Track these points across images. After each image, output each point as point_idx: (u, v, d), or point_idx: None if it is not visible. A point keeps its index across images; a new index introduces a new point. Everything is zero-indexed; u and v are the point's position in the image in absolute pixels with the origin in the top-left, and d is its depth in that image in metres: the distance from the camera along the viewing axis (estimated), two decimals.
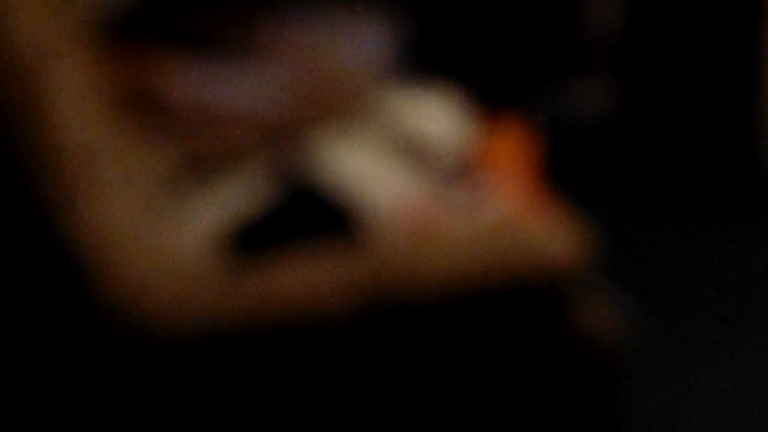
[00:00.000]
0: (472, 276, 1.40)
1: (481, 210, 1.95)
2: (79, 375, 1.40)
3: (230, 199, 1.77)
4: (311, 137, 1.95)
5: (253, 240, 1.70)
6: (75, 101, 1.33)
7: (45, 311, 1.39)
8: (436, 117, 1.78)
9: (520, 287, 1.41)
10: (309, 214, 1.76)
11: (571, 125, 4.89)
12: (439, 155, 1.80)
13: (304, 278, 1.39)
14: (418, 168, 1.78)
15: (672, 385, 2.53)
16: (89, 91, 1.42)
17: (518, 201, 2.03)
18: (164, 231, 1.51)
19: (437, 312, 1.43)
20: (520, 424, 1.56)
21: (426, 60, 1.88)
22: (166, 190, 1.99)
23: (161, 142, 2.12)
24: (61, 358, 1.41)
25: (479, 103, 2.25)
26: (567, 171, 4.20)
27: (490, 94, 4.85)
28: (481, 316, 1.47)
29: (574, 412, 1.57)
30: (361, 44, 1.85)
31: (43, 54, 1.30)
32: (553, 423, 1.57)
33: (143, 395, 1.42)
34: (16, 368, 1.46)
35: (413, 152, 1.76)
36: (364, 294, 1.39)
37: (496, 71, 4.99)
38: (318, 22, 3.69)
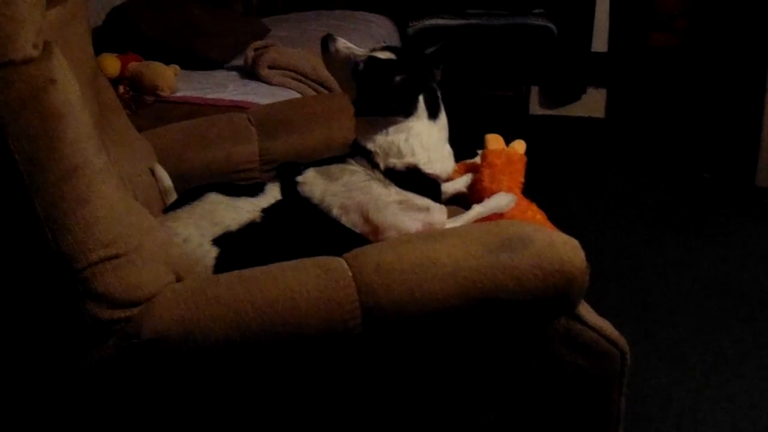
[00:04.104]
0: (473, 287, 1.39)
1: (483, 218, 1.95)
2: (74, 374, 1.39)
3: (223, 210, 1.76)
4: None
5: (245, 249, 1.70)
6: (79, 118, 1.33)
7: (44, 315, 1.39)
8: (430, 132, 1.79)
9: (524, 294, 1.41)
10: (300, 227, 1.75)
11: (572, 133, 4.93)
12: (435, 170, 1.80)
13: (293, 289, 1.38)
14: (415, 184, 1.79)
15: (665, 391, 2.53)
16: (89, 105, 1.41)
17: (519, 210, 2.03)
18: (157, 238, 1.50)
19: (437, 323, 1.43)
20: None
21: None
22: (158, 200, 1.99)
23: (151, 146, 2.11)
24: (56, 358, 1.40)
25: (478, 113, 2.28)
26: (568, 179, 4.24)
27: (489, 104, 4.87)
28: (479, 324, 1.47)
29: (576, 415, 1.57)
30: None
31: (47, 73, 1.29)
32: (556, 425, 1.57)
33: (129, 393, 1.42)
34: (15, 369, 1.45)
35: (408, 168, 1.77)
36: (359, 304, 1.38)
37: (495, 81, 5.03)
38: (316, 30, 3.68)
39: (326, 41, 1.86)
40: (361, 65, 1.78)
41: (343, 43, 1.85)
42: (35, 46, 1.29)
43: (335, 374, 1.45)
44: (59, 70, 1.32)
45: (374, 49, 1.84)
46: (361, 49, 1.85)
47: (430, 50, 1.85)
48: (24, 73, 1.27)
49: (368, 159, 1.76)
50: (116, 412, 1.43)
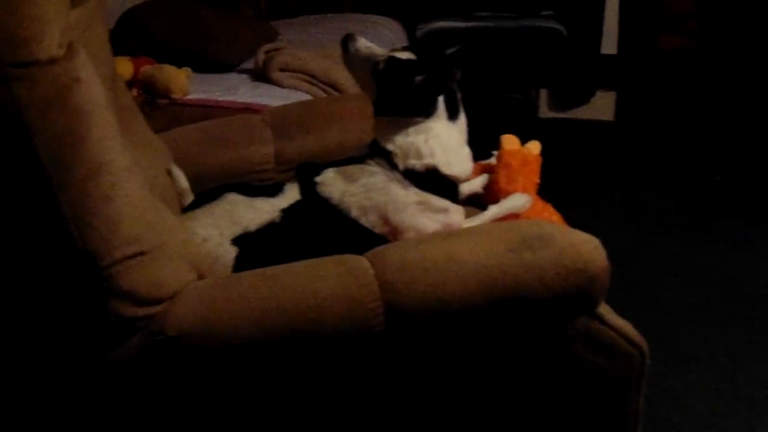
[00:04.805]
0: (495, 285, 1.39)
1: (499, 219, 1.95)
2: (97, 371, 1.39)
3: (242, 210, 1.76)
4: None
5: (264, 249, 1.70)
6: (103, 117, 1.33)
7: (67, 312, 1.39)
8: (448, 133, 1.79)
9: (546, 293, 1.40)
10: (319, 228, 1.75)
11: (581, 136, 4.92)
12: (453, 169, 1.81)
13: (316, 287, 1.38)
14: (431, 184, 1.79)
15: (680, 394, 2.53)
16: (111, 104, 1.42)
17: (535, 211, 2.03)
18: (179, 236, 1.50)
19: (459, 321, 1.43)
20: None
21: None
22: (175, 201, 1.99)
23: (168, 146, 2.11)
24: (80, 355, 1.41)
25: (487, 116, 2.29)
26: (577, 182, 4.23)
27: (503, 106, 4.87)
28: (500, 323, 1.47)
29: (594, 415, 1.57)
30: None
31: (72, 72, 1.29)
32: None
33: (151, 390, 1.42)
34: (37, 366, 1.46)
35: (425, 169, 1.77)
36: (381, 302, 1.38)
37: (508, 84, 5.03)
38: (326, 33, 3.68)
39: (346, 41, 1.86)
40: (382, 65, 1.79)
41: (363, 43, 1.85)
42: (60, 46, 1.29)
43: (356, 372, 1.45)
44: (83, 70, 1.32)
45: (394, 49, 1.85)
46: (382, 49, 1.85)
47: (450, 51, 1.85)
48: (49, 72, 1.27)
49: (387, 160, 1.77)
50: (137, 408, 1.43)
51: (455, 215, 1.79)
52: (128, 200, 1.34)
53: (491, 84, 4.93)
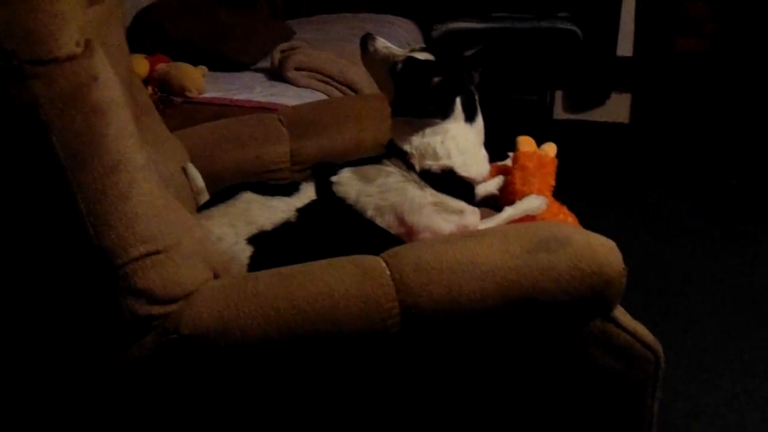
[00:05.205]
0: (511, 287, 1.39)
1: (515, 221, 1.95)
2: (112, 370, 1.39)
3: (258, 209, 1.76)
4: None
5: (280, 249, 1.70)
6: (120, 115, 1.33)
7: (82, 311, 1.39)
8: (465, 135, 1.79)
9: (561, 295, 1.40)
10: (335, 228, 1.75)
11: (595, 138, 4.91)
12: (469, 170, 1.80)
13: (332, 287, 1.38)
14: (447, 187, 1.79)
15: (693, 399, 2.52)
16: (128, 102, 1.42)
17: (550, 213, 2.02)
18: (195, 235, 1.50)
19: (474, 323, 1.42)
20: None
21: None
22: (191, 199, 2.00)
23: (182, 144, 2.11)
24: (94, 353, 1.41)
25: (502, 117, 2.29)
26: (591, 184, 4.22)
27: (518, 109, 4.86)
28: (515, 325, 1.46)
29: (609, 419, 1.56)
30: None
31: (90, 70, 1.29)
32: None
33: (165, 389, 1.42)
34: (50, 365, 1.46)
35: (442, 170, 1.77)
36: (398, 303, 1.38)
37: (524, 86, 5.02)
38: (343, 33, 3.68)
39: (365, 40, 1.86)
40: (400, 65, 1.78)
41: (382, 43, 1.85)
42: (78, 44, 1.29)
43: (371, 372, 1.45)
44: (101, 68, 1.32)
45: (413, 50, 1.84)
46: (400, 50, 1.85)
47: (468, 53, 1.84)
48: (67, 70, 1.27)
49: (404, 160, 1.76)
50: (151, 406, 1.43)
51: (471, 217, 1.79)
52: (145, 198, 1.34)
53: (506, 85, 4.92)
